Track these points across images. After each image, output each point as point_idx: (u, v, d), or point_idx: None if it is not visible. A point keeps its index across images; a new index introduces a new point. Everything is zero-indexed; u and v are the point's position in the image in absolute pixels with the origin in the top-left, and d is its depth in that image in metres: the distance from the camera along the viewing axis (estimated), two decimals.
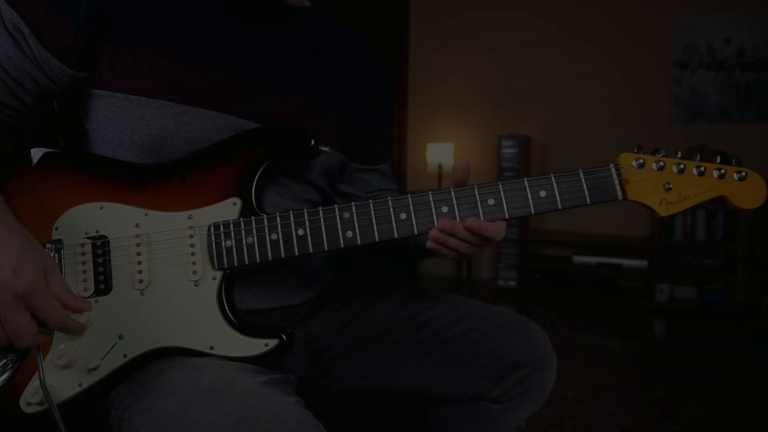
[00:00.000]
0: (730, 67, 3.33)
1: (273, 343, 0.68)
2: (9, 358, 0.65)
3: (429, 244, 0.72)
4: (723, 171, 0.72)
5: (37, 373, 0.62)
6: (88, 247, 0.68)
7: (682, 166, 0.72)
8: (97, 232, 0.69)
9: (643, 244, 3.33)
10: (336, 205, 0.71)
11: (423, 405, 0.95)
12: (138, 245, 0.69)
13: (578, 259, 3.38)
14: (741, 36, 3.29)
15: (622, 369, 2.34)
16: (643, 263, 3.26)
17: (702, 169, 0.72)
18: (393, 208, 0.71)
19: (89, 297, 0.68)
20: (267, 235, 0.70)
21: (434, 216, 0.71)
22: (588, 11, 3.61)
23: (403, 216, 0.71)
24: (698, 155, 0.73)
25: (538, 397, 0.88)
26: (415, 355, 0.87)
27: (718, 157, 0.73)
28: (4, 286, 0.57)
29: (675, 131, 3.47)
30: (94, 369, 0.66)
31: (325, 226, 0.70)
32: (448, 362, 0.87)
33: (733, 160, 0.72)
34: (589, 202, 0.71)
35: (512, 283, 3.54)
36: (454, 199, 0.71)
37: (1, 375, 0.64)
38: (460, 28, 3.98)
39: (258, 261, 0.70)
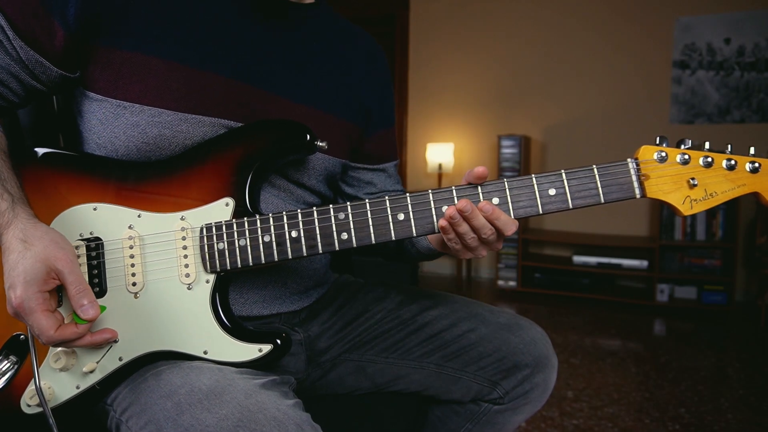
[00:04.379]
0: (729, 67, 3.32)
1: (267, 348, 0.67)
2: (10, 360, 0.65)
3: (441, 222, 0.66)
4: (757, 164, 0.63)
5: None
6: (83, 249, 0.68)
7: (710, 159, 0.64)
8: (91, 233, 0.68)
9: (643, 244, 3.33)
10: (331, 206, 0.68)
11: (423, 406, 0.94)
12: (131, 247, 0.68)
13: (578, 259, 3.38)
14: (741, 36, 3.28)
15: (622, 369, 2.33)
16: (643, 263, 3.25)
17: (733, 162, 0.64)
18: (390, 208, 0.67)
19: None
20: (260, 237, 0.68)
21: (434, 217, 0.67)
22: (587, 11, 3.60)
23: (401, 217, 0.67)
24: (729, 146, 0.65)
25: (539, 398, 0.87)
26: (415, 356, 0.87)
27: (729, 146, 0.66)
28: (7, 301, 0.60)
29: (675, 131, 3.46)
30: (90, 372, 0.66)
31: (319, 227, 0.68)
32: (448, 363, 0.86)
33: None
34: (603, 200, 0.64)
35: (512, 283, 3.54)
36: (455, 198, 0.67)
37: (2, 377, 0.65)
38: (460, 29, 3.97)
39: (251, 264, 0.68)
